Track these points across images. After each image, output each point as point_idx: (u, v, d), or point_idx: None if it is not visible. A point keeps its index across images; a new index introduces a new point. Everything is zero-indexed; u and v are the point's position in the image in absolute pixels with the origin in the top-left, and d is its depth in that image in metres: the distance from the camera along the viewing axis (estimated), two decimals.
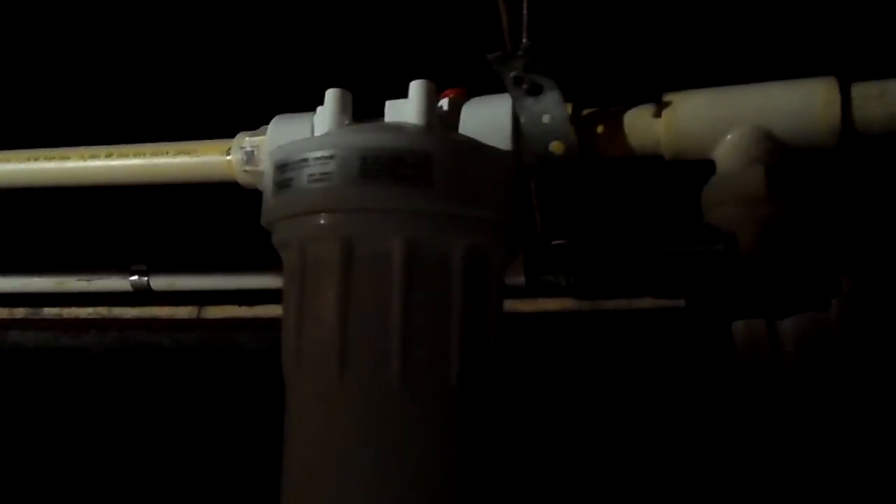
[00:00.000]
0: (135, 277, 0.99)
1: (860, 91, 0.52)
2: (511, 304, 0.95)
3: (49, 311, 1.10)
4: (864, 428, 0.70)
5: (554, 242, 0.88)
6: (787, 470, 0.73)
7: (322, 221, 0.52)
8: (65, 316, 1.10)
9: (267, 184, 0.57)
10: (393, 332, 0.51)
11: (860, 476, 0.70)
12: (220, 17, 0.80)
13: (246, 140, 0.64)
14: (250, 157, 0.63)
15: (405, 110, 0.56)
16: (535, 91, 0.52)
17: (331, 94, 0.57)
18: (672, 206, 0.71)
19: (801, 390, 0.73)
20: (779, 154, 0.52)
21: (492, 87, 0.55)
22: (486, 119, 0.56)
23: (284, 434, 0.55)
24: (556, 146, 0.55)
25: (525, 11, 0.51)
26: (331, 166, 0.52)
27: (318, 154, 0.52)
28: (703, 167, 0.56)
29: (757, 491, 0.76)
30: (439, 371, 0.52)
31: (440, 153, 0.52)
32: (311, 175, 0.52)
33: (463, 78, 0.59)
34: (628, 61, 0.73)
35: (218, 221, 0.88)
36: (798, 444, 0.73)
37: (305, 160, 0.53)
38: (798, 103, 0.52)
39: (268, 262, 0.59)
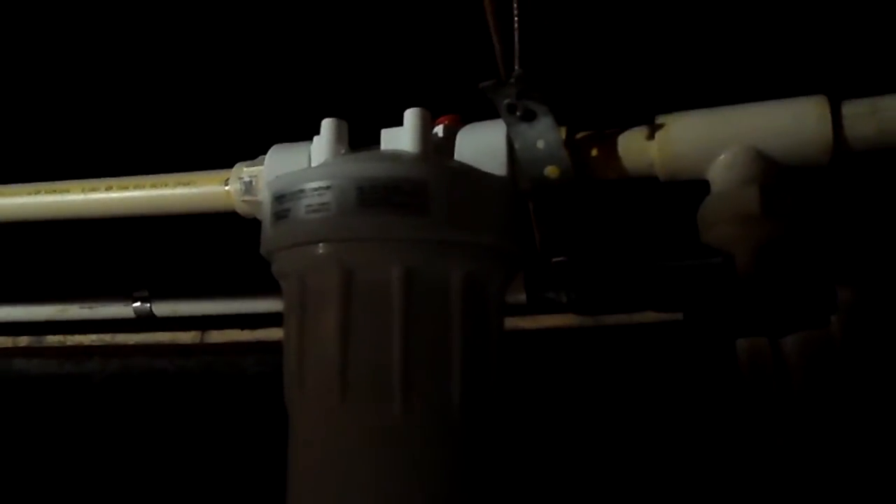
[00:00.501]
0: (137, 304, 1.00)
1: (851, 109, 0.52)
2: (513, 322, 0.95)
3: (52, 339, 1.11)
4: (869, 440, 0.70)
5: (554, 260, 0.89)
6: (792, 485, 0.73)
7: (320, 251, 0.53)
8: (68, 343, 1.11)
9: (265, 214, 0.57)
10: (394, 360, 0.51)
11: (865, 488, 0.70)
12: (216, 47, 0.80)
13: (244, 170, 0.64)
14: (249, 187, 0.64)
15: (401, 138, 0.56)
16: (529, 117, 0.53)
17: (326, 124, 0.58)
18: (671, 222, 0.71)
19: (804, 404, 0.74)
20: (772, 173, 0.52)
21: (486, 112, 0.56)
22: (481, 145, 0.56)
23: (288, 460, 0.55)
24: (551, 171, 0.56)
25: (517, 38, 0.52)
26: (328, 196, 0.52)
27: (315, 185, 0.53)
28: (699, 185, 0.57)
29: (760, 498, 0.76)
30: (441, 397, 0.52)
31: (436, 181, 0.52)
32: (308, 206, 0.53)
33: (457, 104, 0.59)
34: (621, 83, 0.74)
35: (219, 246, 0.88)
36: (802, 458, 0.73)
37: (303, 191, 0.53)
38: (790, 123, 0.52)
39: (270, 285, 0.59)
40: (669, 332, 0.88)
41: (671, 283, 0.84)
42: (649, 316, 0.91)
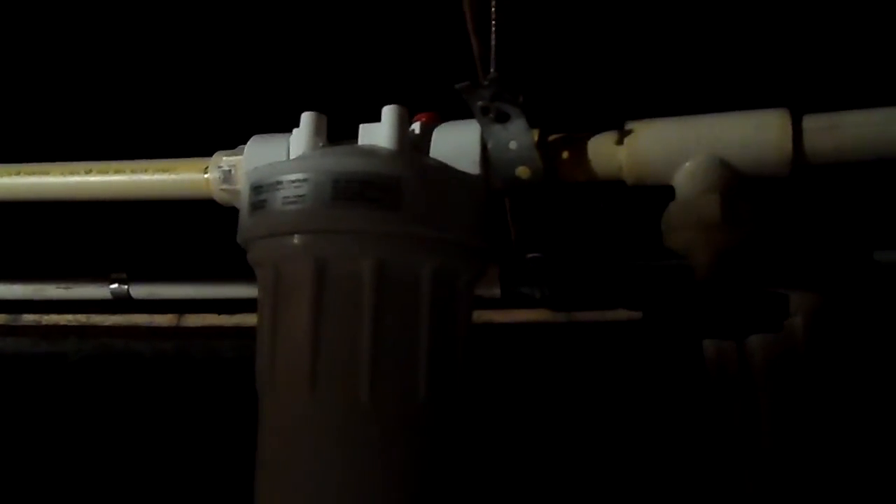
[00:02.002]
0: (115, 285, 1.00)
1: (812, 123, 0.54)
2: (487, 315, 0.97)
3: (28, 318, 1.11)
4: (833, 437, 0.73)
5: (529, 256, 0.90)
6: (757, 480, 0.75)
7: (295, 242, 0.54)
8: (44, 322, 1.10)
9: (243, 203, 0.58)
10: (362, 350, 0.53)
11: (830, 484, 0.72)
12: (200, 38, 0.81)
13: (223, 159, 0.65)
14: (227, 175, 0.64)
15: (378, 134, 0.57)
16: (502, 119, 0.54)
17: (306, 117, 0.59)
18: (642, 223, 0.73)
19: (769, 403, 0.76)
20: (734, 182, 0.54)
21: (464, 110, 0.57)
22: (456, 144, 0.58)
23: (258, 446, 0.57)
24: (522, 171, 0.57)
25: (493, 42, 0.53)
26: (304, 189, 0.53)
27: (293, 177, 0.54)
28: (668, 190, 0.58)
29: (729, 498, 0.78)
30: (407, 388, 0.54)
31: (409, 177, 0.54)
32: (285, 197, 0.54)
33: (439, 101, 0.60)
34: (594, 88, 0.75)
35: (198, 230, 0.88)
36: (768, 455, 0.75)
37: (280, 182, 0.54)
38: (752, 134, 0.54)
39: (247, 271, 0.60)
40: (641, 329, 0.89)
41: (641, 281, 0.86)
42: (621, 313, 0.93)
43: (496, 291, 0.91)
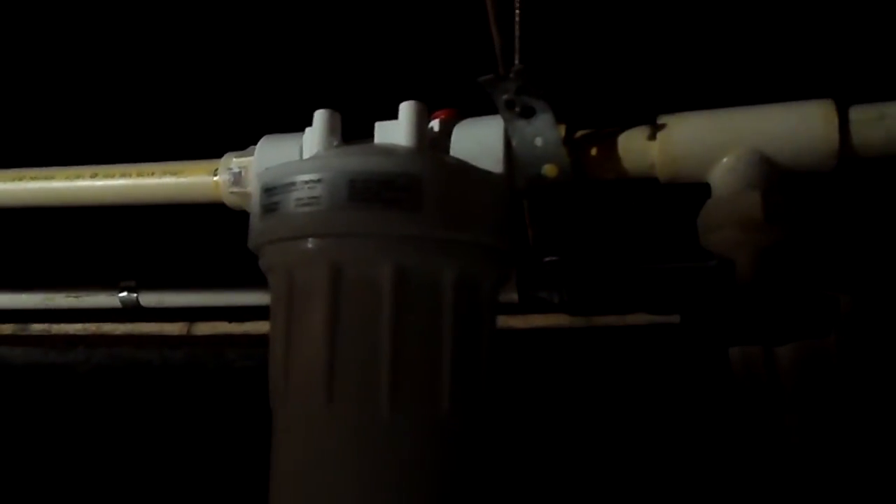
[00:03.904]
0: (124, 294, 0.98)
1: (858, 114, 0.51)
2: (504, 321, 0.94)
3: (37, 328, 1.10)
4: (864, 451, 0.70)
5: (547, 259, 0.88)
6: (783, 492, 0.73)
7: (310, 246, 0.52)
8: (53, 332, 1.10)
9: (254, 206, 0.56)
10: (382, 360, 0.50)
11: (859, 495, 0.69)
12: (208, 35, 0.79)
13: (233, 161, 0.63)
14: (238, 178, 0.62)
15: (395, 132, 0.55)
16: (528, 114, 0.51)
17: (319, 115, 0.56)
18: (668, 223, 0.70)
19: (798, 413, 0.73)
20: (775, 178, 0.51)
21: (485, 107, 0.55)
22: (478, 141, 0.55)
23: (271, 459, 0.54)
24: (548, 169, 0.54)
25: (517, 32, 0.50)
26: (319, 190, 0.51)
27: (306, 177, 0.52)
28: (698, 188, 0.56)
29: None
30: (430, 400, 0.51)
31: (430, 176, 0.51)
32: (298, 199, 0.51)
33: (454, 98, 0.58)
34: (623, 81, 0.72)
35: (208, 237, 0.87)
36: (795, 467, 0.72)
37: (293, 183, 0.52)
38: (795, 127, 0.51)
39: (258, 278, 0.58)
40: (661, 334, 0.88)
41: (664, 285, 0.84)
42: (641, 318, 0.91)
43: (513, 296, 0.89)
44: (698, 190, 0.55)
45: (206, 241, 0.91)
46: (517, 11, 0.50)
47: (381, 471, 0.51)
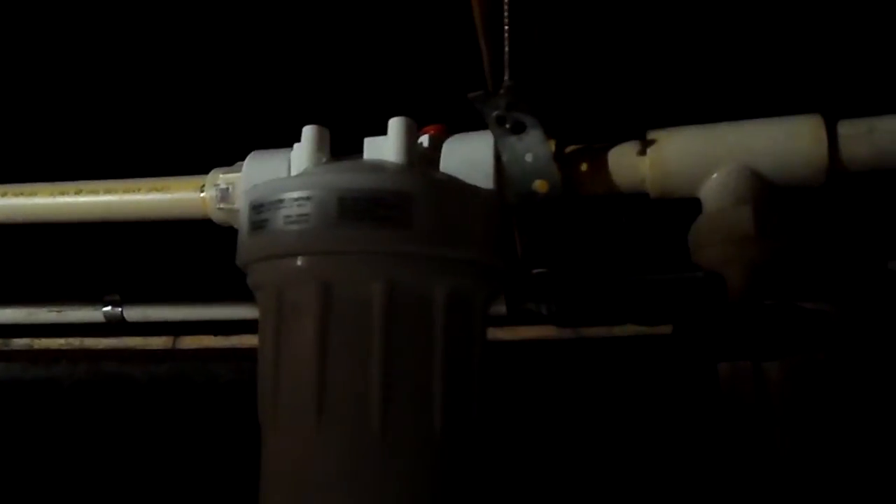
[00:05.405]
0: (108, 308, 0.98)
1: (847, 129, 0.51)
2: (492, 333, 0.93)
3: (19, 343, 1.09)
4: (853, 463, 0.70)
5: (535, 271, 0.88)
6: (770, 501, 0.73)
7: (299, 264, 0.51)
8: (35, 347, 1.08)
9: (242, 223, 0.55)
10: (373, 379, 0.50)
11: None
12: (194, 49, 0.78)
13: (220, 177, 0.62)
14: (225, 194, 0.62)
15: (384, 148, 0.54)
16: (518, 129, 0.51)
17: (308, 131, 0.56)
18: (658, 236, 0.70)
19: (786, 426, 0.73)
20: (766, 192, 0.51)
21: (473, 122, 0.54)
22: (468, 157, 0.55)
23: (261, 476, 0.53)
24: (539, 185, 0.54)
25: (506, 48, 0.50)
26: (308, 207, 0.50)
27: (295, 195, 0.51)
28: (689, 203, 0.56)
29: None
30: (422, 417, 0.51)
31: (421, 193, 0.51)
32: (287, 216, 0.51)
33: (442, 113, 0.58)
34: (613, 96, 0.72)
35: (192, 251, 0.86)
36: (784, 480, 0.72)
37: (282, 200, 0.51)
38: (785, 142, 0.51)
39: (244, 292, 0.57)
40: (648, 345, 0.88)
41: (651, 296, 0.84)
42: (628, 329, 0.91)
43: (501, 308, 0.89)
44: (688, 204, 0.55)
45: (190, 255, 0.90)
46: (506, 27, 0.50)
47: (373, 488, 0.50)
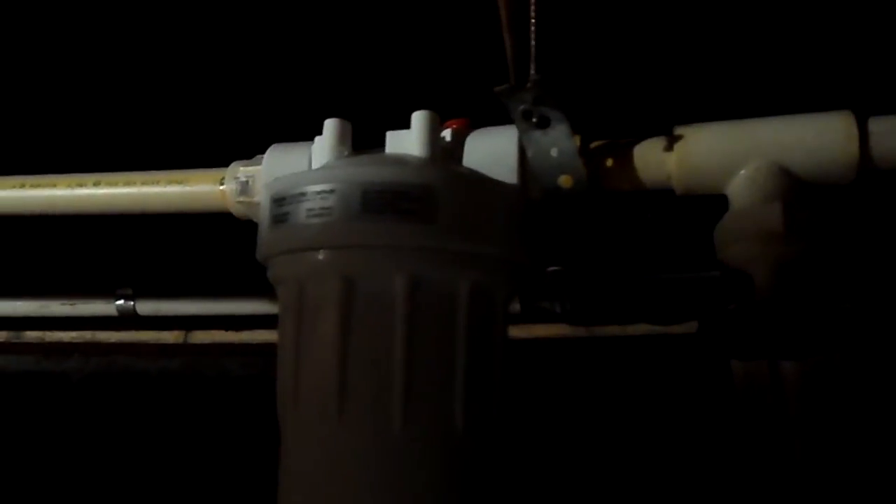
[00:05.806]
0: (120, 302, 0.97)
1: (879, 125, 0.51)
2: None
3: (31, 335, 1.08)
4: (869, 464, 0.69)
5: (549, 269, 0.87)
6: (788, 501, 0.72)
7: (321, 258, 0.51)
8: (47, 340, 1.08)
9: (263, 216, 0.55)
10: (395, 374, 0.49)
11: None
12: (215, 42, 0.78)
13: (240, 170, 0.62)
14: (245, 187, 0.61)
15: (407, 141, 0.54)
16: (544, 124, 0.51)
17: (330, 124, 0.55)
18: (681, 233, 0.70)
19: (802, 426, 0.72)
20: (795, 190, 0.51)
21: (496, 117, 0.54)
22: (492, 151, 0.54)
23: (280, 470, 0.53)
24: (564, 180, 0.54)
25: (532, 41, 0.49)
26: (331, 201, 0.50)
27: (318, 188, 0.51)
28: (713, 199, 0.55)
29: None
30: (444, 415, 0.50)
31: (445, 187, 0.50)
32: (309, 210, 0.51)
33: (464, 107, 0.57)
34: (639, 92, 0.72)
35: (206, 245, 0.86)
36: (799, 481, 0.72)
37: (304, 194, 0.51)
38: (815, 138, 0.51)
39: (256, 286, 0.57)
40: (662, 344, 0.87)
41: (666, 296, 0.83)
42: (642, 328, 0.91)
43: (515, 306, 0.88)
44: (712, 201, 0.55)
45: (203, 249, 0.90)
46: (532, 20, 0.50)
47: (393, 484, 0.50)
